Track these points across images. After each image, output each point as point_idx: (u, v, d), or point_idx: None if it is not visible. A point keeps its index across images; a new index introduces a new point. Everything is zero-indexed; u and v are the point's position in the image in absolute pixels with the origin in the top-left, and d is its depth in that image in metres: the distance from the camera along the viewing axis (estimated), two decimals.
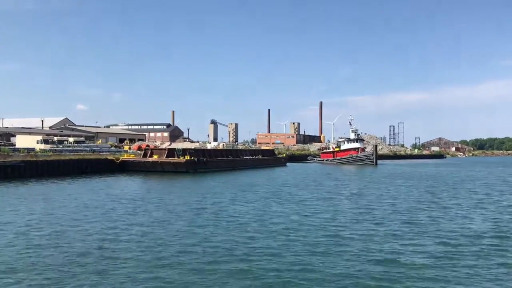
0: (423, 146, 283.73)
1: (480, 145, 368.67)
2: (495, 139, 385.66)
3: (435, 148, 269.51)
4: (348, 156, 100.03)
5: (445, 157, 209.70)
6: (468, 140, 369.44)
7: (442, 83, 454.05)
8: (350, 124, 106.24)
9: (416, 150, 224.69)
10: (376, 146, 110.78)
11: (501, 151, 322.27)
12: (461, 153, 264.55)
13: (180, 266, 13.59)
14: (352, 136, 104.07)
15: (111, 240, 17.20)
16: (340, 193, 35.94)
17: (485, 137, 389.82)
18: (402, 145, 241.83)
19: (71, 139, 72.65)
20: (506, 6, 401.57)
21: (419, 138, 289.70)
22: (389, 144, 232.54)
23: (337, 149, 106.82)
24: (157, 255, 14.93)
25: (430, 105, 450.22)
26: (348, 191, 37.84)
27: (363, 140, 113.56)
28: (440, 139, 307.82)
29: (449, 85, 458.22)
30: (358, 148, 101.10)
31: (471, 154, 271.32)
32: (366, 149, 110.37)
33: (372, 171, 72.69)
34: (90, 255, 14.77)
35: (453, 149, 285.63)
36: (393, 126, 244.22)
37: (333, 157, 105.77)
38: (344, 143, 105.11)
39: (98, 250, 15.54)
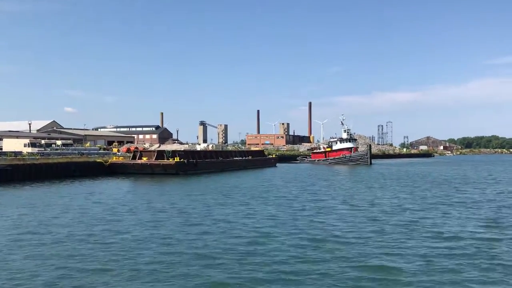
0: (412, 145, 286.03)
1: (468, 143, 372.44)
2: (482, 137, 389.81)
3: (424, 147, 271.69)
4: (341, 156, 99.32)
5: (433, 156, 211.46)
6: (456, 139, 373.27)
7: (430, 83, 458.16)
8: (342, 124, 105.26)
9: (404, 149, 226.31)
10: (370, 145, 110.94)
11: (488, 149, 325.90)
12: (449, 152, 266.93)
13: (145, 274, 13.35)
14: (345, 135, 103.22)
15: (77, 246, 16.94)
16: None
17: (472, 136, 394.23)
18: (391, 145, 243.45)
19: (59, 142, 71.99)
20: (493, 6, 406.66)
21: (407, 137, 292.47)
22: (378, 144, 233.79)
23: (329, 149, 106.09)
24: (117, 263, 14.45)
25: (419, 104, 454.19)
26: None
27: (356, 139, 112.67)
28: (428, 138, 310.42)
29: (437, 84, 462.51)
30: (351, 148, 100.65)
31: (458, 153, 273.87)
32: (359, 149, 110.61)
33: (366, 170, 73.11)
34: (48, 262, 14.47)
35: (441, 147, 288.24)
36: (382, 126, 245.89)
37: (325, 157, 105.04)
38: (337, 143, 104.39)
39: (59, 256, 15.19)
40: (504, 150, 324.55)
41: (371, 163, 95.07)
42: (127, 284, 12.23)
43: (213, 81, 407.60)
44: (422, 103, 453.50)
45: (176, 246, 16.54)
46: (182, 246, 16.51)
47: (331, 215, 23.85)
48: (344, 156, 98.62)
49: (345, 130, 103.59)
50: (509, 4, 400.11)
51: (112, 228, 20.17)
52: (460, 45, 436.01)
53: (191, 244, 16.73)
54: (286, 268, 13.55)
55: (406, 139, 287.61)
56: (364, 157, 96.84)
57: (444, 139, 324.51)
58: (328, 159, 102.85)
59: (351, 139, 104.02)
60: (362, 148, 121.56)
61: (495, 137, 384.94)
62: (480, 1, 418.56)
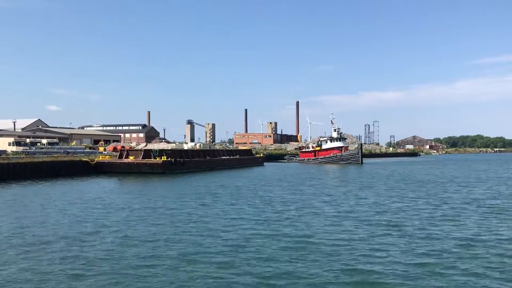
0: (398, 144, 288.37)
1: (453, 143, 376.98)
2: (468, 136, 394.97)
3: (410, 146, 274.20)
4: (332, 155, 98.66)
5: (419, 155, 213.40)
6: (441, 138, 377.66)
7: (417, 82, 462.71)
8: (332, 123, 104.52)
9: (391, 149, 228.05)
10: (361, 144, 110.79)
11: (473, 149, 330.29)
12: (435, 151, 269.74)
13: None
14: (335, 135, 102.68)
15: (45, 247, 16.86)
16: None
17: (458, 135, 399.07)
18: (377, 144, 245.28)
19: (44, 141, 71.28)
20: (479, 7, 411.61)
21: (394, 136, 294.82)
22: (365, 143, 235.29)
23: (318, 148, 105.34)
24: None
25: (405, 103, 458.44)
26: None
27: (345, 139, 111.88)
28: (414, 137, 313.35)
29: (424, 84, 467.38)
30: (341, 147, 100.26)
31: (444, 152, 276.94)
32: (348, 148, 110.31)
33: (358, 168, 73.56)
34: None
35: (427, 147, 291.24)
36: (368, 125, 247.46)
37: (315, 156, 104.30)
38: (327, 142, 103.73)
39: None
40: (489, 149, 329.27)
41: (362, 162, 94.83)
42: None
43: (201, 80, 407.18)
44: (409, 103, 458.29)
45: (154, 247, 16.29)
46: (160, 248, 16.21)
47: (318, 217, 23.90)
48: (335, 155, 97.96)
49: (335, 129, 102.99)
50: (495, 5, 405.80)
51: (90, 229, 19.77)
52: (447, 45, 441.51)
53: (169, 246, 16.46)
54: (262, 270, 13.30)
55: (392, 139, 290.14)
56: (356, 156, 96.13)
57: (430, 139, 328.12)
58: (318, 158, 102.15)
59: (341, 138, 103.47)
60: (351, 148, 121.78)
61: (480, 137, 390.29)
62: (467, 2, 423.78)
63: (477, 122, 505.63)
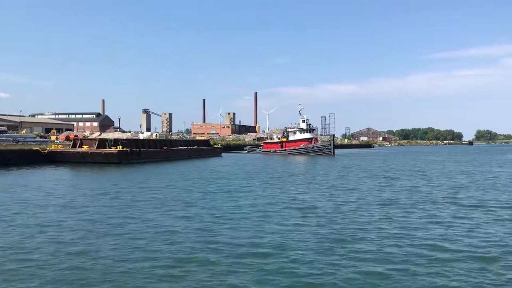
0: (353, 136, 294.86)
1: (406, 135, 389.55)
2: (419, 129, 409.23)
3: (364, 138, 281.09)
4: (302, 147, 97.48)
5: (373, 147, 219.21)
6: (394, 130, 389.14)
7: (372, 76, 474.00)
8: (300, 114, 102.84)
9: (346, 140, 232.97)
10: (333, 136, 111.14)
11: (424, 141, 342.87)
12: (388, 143, 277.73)
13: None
14: (304, 126, 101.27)
15: None
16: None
17: (410, 128, 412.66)
18: (333, 135, 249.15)
19: None
20: (432, 5, 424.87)
21: (349, 128, 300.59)
22: (321, 134, 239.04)
23: (285, 139, 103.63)
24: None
25: (360, 96, 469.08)
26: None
27: (314, 129, 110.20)
28: (368, 129, 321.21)
29: (378, 77, 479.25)
30: (311, 139, 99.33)
31: (397, 144, 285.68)
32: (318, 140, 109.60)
33: (330, 160, 74.60)
34: None
35: (381, 139, 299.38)
36: (325, 117, 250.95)
37: (282, 147, 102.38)
38: (295, 133, 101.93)
39: None
40: (439, 141, 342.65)
41: (334, 154, 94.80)
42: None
43: (157, 69, 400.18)
44: (364, 96, 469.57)
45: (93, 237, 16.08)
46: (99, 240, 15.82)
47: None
48: (306, 147, 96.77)
49: (303, 120, 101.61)
50: (446, 3, 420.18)
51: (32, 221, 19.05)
52: (402, 40, 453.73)
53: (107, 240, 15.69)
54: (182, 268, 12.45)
55: (347, 130, 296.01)
56: (328, 148, 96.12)
57: (383, 131, 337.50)
58: (286, 150, 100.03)
59: (310, 129, 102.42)
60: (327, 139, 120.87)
61: (431, 129, 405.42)
62: (419, 2, 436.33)
63: (429, 115, 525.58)
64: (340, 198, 26.58)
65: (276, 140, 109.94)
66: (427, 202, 24.99)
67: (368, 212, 21.48)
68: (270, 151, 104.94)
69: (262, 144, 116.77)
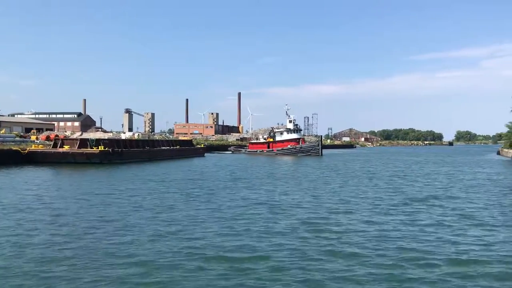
0: (335, 136, 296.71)
1: (387, 135, 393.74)
2: (401, 130, 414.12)
3: (346, 139, 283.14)
4: (289, 147, 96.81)
5: (355, 147, 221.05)
6: (376, 131, 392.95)
7: (355, 77, 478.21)
8: (287, 114, 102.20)
9: (328, 141, 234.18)
10: (321, 136, 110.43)
11: (406, 141, 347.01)
12: (370, 143, 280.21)
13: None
14: (291, 126, 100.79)
15: None
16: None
17: (391, 128, 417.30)
18: (316, 136, 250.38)
19: None
20: (416, 6, 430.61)
21: (331, 129, 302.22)
22: (304, 135, 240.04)
23: (271, 140, 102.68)
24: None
25: (343, 96, 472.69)
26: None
27: (301, 130, 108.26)
28: (350, 130, 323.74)
29: (361, 78, 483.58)
30: (299, 139, 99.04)
31: (378, 144, 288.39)
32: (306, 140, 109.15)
33: (319, 160, 74.81)
34: None
35: (363, 139, 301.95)
36: (308, 117, 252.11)
37: (269, 148, 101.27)
38: (282, 133, 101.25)
39: None
40: (420, 142, 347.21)
41: (322, 154, 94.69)
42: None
43: (139, 68, 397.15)
44: (346, 96, 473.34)
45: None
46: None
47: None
48: (294, 147, 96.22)
49: (290, 121, 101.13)
50: (431, 5, 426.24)
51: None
52: (385, 41, 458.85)
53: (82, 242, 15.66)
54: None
55: (330, 131, 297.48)
56: (316, 148, 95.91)
57: (365, 131, 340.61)
58: (272, 150, 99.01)
59: (297, 129, 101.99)
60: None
61: (412, 130, 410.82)
62: (404, 2, 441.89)
63: (410, 116, 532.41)
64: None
65: (262, 140, 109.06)
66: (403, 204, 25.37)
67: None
68: (256, 151, 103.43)
69: (248, 145, 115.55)
